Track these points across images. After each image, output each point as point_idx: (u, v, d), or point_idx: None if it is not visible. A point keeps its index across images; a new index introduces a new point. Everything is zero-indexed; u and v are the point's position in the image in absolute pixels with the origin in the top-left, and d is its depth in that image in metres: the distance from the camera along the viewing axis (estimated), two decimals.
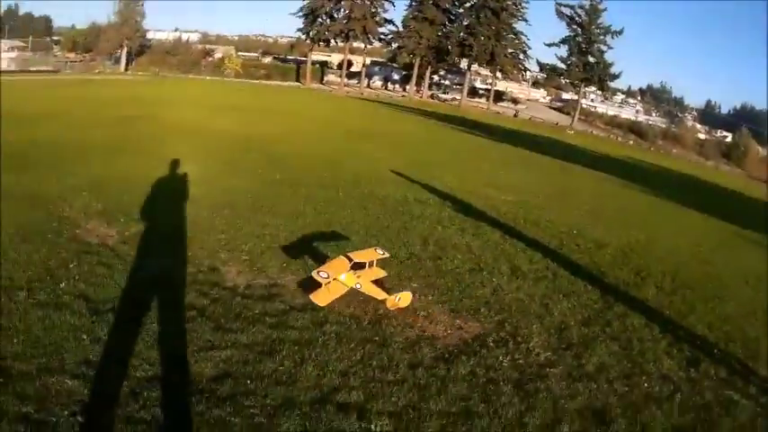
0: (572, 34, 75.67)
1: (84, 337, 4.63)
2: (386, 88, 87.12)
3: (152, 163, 11.60)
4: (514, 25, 74.42)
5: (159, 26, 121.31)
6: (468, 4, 74.80)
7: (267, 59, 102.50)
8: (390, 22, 78.06)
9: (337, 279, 5.89)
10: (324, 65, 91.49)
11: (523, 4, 74.43)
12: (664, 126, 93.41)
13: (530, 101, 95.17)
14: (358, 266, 6.21)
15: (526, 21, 75.31)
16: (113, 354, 4.45)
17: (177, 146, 14.27)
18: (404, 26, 75.59)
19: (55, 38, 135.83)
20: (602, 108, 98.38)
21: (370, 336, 5.15)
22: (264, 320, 5.27)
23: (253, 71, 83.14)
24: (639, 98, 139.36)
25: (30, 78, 55.24)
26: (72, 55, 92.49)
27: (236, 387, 4.27)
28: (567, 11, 75.03)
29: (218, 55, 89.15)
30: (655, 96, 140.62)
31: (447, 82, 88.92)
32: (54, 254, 6.30)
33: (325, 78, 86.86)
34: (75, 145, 13.22)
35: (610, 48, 74.98)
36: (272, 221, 8.42)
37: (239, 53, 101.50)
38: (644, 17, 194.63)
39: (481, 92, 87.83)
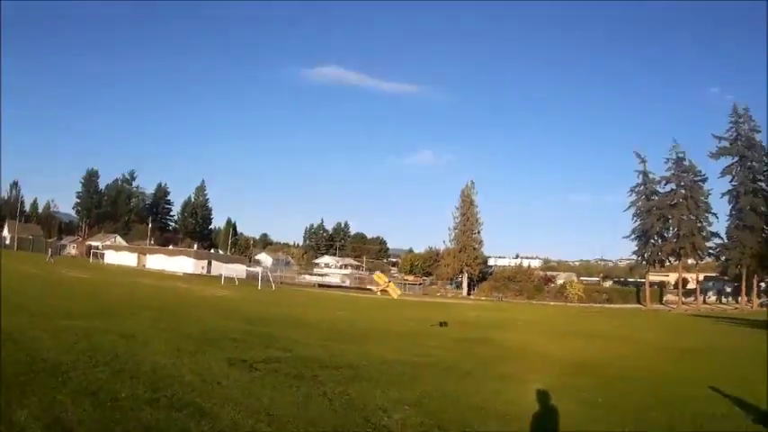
0: None
1: None
2: (720, 302, 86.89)
3: (478, 384, 11.84)
4: None
5: (499, 252, 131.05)
6: None
7: (608, 283, 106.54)
8: (716, 235, 79.44)
9: None
10: (661, 285, 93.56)
11: None
12: None
13: None
14: None
15: None
16: None
17: (505, 367, 14.57)
18: (728, 237, 76.69)
19: (392, 259, 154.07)
20: None
21: None
22: None
23: (595, 296, 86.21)
24: None
25: (367, 296, 63.17)
26: (411, 277, 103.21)
27: None
28: None
29: (559, 281, 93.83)
30: None
31: None
32: None
33: (664, 298, 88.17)
34: (406, 362, 14.07)
35: None
36: None
37: (581, 278, 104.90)
38: None
39: None
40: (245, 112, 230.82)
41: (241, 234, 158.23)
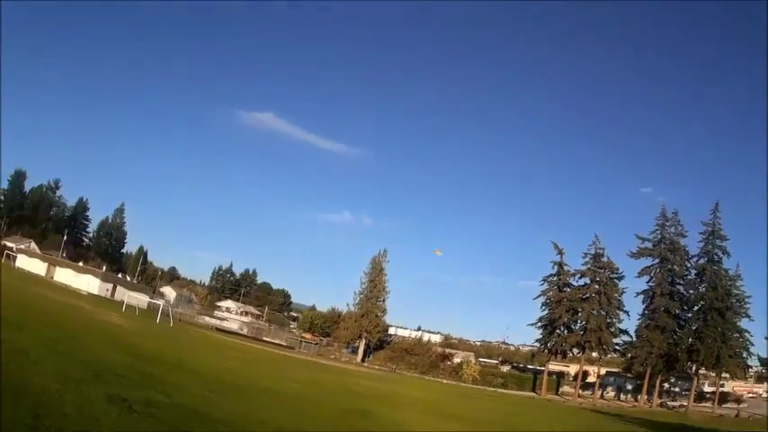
0: None
1: None
2: (618, 398, 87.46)
3: None
4: (738, 323, 73.11)
5: (402, 323, 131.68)
6: (696, 308, 75.60)
7: (506, 368, 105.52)
8: (625, 332, 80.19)
9: None
10: (560, 375, 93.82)
11: (747, 301, 74.02)
12: None
13: (753, 398, 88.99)
14: None
15: (749, 317, 73.86)
16: None
17: None
18: (637, 336, 77.41)
19: (293, 314, 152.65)
20: None
21: None
22: None
23: (490, 378, 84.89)
24: None
25: (261, 348, 62.38)
26: (308, 335, 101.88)
27: None
28: None
29: (456, 359, 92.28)
30: None
31: (677, 389, 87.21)
32: None
33: (561, 389, 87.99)
34: (281, 428, 14.24)
35: None
36: None
37: (479, 359, 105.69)
38: None
39: (708, 395, 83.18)
40: (177, 141, 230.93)
41: (150, 263, 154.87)
